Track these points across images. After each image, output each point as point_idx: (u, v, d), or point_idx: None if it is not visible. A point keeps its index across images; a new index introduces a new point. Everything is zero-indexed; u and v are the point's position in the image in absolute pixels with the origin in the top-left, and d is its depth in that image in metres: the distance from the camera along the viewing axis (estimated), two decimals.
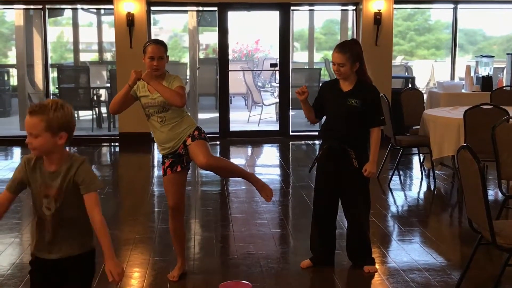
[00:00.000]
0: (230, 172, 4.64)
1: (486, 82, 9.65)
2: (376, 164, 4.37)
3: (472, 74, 9.90)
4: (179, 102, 4.14)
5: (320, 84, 11.57)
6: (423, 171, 7.92)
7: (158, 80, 4.20)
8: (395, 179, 7.67)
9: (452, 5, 11.06)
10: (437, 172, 7.66)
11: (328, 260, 4.67)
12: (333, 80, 4.54)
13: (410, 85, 11.12)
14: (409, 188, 7.60)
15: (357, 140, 4.41)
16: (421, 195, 7.28)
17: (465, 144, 3.78)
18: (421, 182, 7.74)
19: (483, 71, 9.87)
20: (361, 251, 4.64)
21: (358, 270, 4.62)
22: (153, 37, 10.64)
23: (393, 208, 6.61)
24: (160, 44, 4.29)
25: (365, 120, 4.38)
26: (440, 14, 16.50)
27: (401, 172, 8.09)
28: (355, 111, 4.35)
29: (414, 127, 7.83)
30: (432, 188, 7.39)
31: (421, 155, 7.94)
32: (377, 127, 4.40)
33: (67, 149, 2.94)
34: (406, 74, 13.42)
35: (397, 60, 15.56)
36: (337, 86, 4.45)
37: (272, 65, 11.45)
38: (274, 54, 13.34)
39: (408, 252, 5.03)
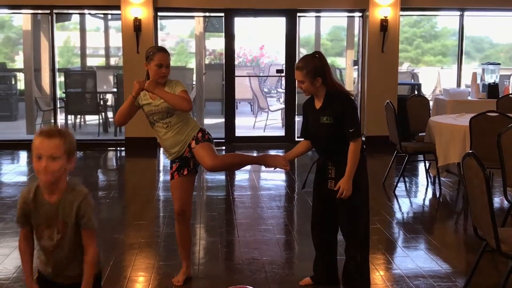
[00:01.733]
0: (239, 165, 4.63)
1: (492, 90, 9.64)
2: (350, 180, 3.99)
3: (479, 81, 9.90)
4: (187, 107, 4.16)
5: None
6: (428, 178, 7.91)
7: (160, 87, 4.22)
8: (401, 185, 7.66)
9: (458, 12, 11.06)
10: (443, 179, 7.65)
11: (330, 280, 4.41)
12: (311, 97, 4.25)
13: (416, 92, 11.12)
14: (415, 195, 7.59)
15: (340, 156, 4.06)
16: (427, 202, 7.28)
17: (470, 151, 3.78)
18: (426, 189, 7.73)
19: (489, 79, 9.87)
20: (352, 280, 4.25)
21: None
22: (160, 43, 10.68)
23: (398, 215, 6.61)
24: (167, 52, 4.33)
25: (344, 135, 4.05)
26: (447, 21, 16.49)
27: (406, 179, 8.08)
28: (329, 128, 4.06)
29: (420, 134, 7.83)
30: (437, 195, 7.38)
31: (426, 162, 7.93)
32: (352, 140, 4.02)
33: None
34: (412, 81, 13.42)
35: (403, 67, 15.55)
36: (312, 104, 4.20)
37: (278, 71, 11.46)
38: (281, 60, 13.35)
39: (413, 259, 5.03)
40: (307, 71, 4.04)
